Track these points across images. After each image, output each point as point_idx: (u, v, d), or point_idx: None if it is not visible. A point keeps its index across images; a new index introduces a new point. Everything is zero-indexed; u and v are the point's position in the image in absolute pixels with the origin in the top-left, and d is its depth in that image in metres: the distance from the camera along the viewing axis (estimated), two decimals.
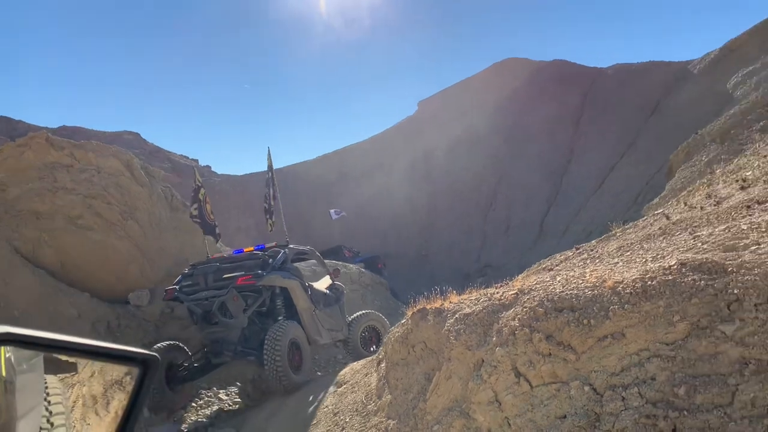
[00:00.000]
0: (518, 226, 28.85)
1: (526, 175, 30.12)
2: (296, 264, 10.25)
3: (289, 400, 8.70)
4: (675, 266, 3.76)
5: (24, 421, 1.07)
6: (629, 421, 3.41)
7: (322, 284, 10.67)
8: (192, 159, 37.21)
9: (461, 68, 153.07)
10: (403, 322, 6.27)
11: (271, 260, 9.10)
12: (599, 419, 3.54)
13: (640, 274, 3.87)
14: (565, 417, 3.67)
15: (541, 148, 30.72)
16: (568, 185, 28.37)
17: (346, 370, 8.51)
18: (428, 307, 5.48)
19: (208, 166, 38.30)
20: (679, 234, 5.65)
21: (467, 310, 4.83)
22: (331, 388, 7.86)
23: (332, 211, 22.85)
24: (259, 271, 8.75)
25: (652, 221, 7.48)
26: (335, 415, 7.09)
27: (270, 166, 11.49)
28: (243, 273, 8.78)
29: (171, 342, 9.72)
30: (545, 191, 29.09)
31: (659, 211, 8.57)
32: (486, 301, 4.77)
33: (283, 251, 9.45)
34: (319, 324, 9.62)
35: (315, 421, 7.24)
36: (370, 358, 8.32)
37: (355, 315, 10.91)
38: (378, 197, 32.11)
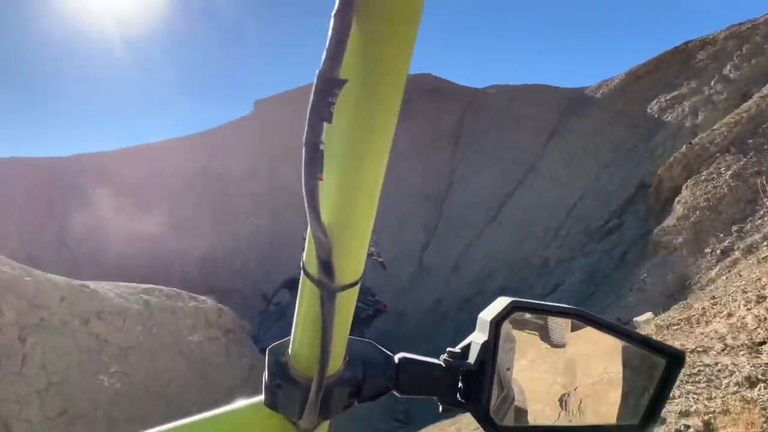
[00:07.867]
0: (389, 259, 22.95)
1: (397, 200, 24.58)
2: None
3: None
4: None
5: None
6: None
7: None
8: None
9: (304, 71, 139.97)
10: None
11: None
12: None
13: None
14: None
15: (413, 169, 25.55)
16: (451, 213, 23.41)
17: None
18: None
19: None
20: None
21: None
22: None
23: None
24: None
25: None
26: None
27: None
28: None
29: None
30: (422, 219, 23.79)
31: None
32: None
33: None
34: None
35: None
36: None
37: None
38: (206, 210, 23.81)
